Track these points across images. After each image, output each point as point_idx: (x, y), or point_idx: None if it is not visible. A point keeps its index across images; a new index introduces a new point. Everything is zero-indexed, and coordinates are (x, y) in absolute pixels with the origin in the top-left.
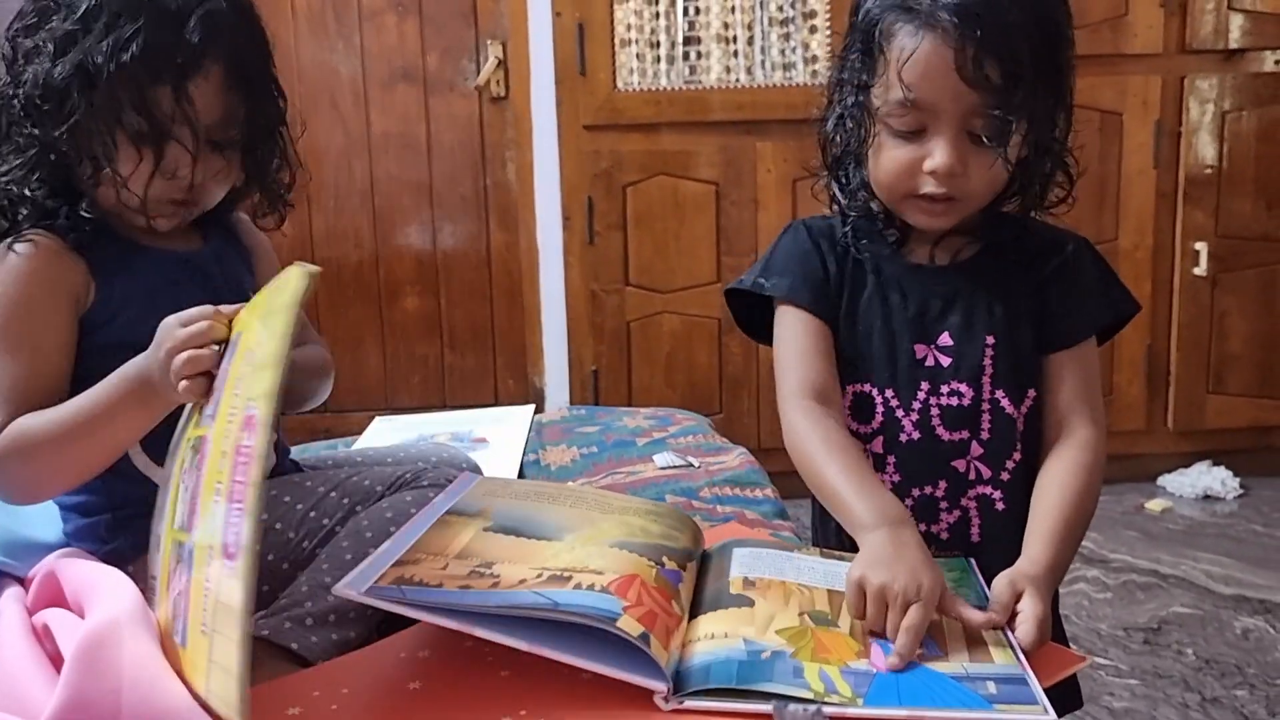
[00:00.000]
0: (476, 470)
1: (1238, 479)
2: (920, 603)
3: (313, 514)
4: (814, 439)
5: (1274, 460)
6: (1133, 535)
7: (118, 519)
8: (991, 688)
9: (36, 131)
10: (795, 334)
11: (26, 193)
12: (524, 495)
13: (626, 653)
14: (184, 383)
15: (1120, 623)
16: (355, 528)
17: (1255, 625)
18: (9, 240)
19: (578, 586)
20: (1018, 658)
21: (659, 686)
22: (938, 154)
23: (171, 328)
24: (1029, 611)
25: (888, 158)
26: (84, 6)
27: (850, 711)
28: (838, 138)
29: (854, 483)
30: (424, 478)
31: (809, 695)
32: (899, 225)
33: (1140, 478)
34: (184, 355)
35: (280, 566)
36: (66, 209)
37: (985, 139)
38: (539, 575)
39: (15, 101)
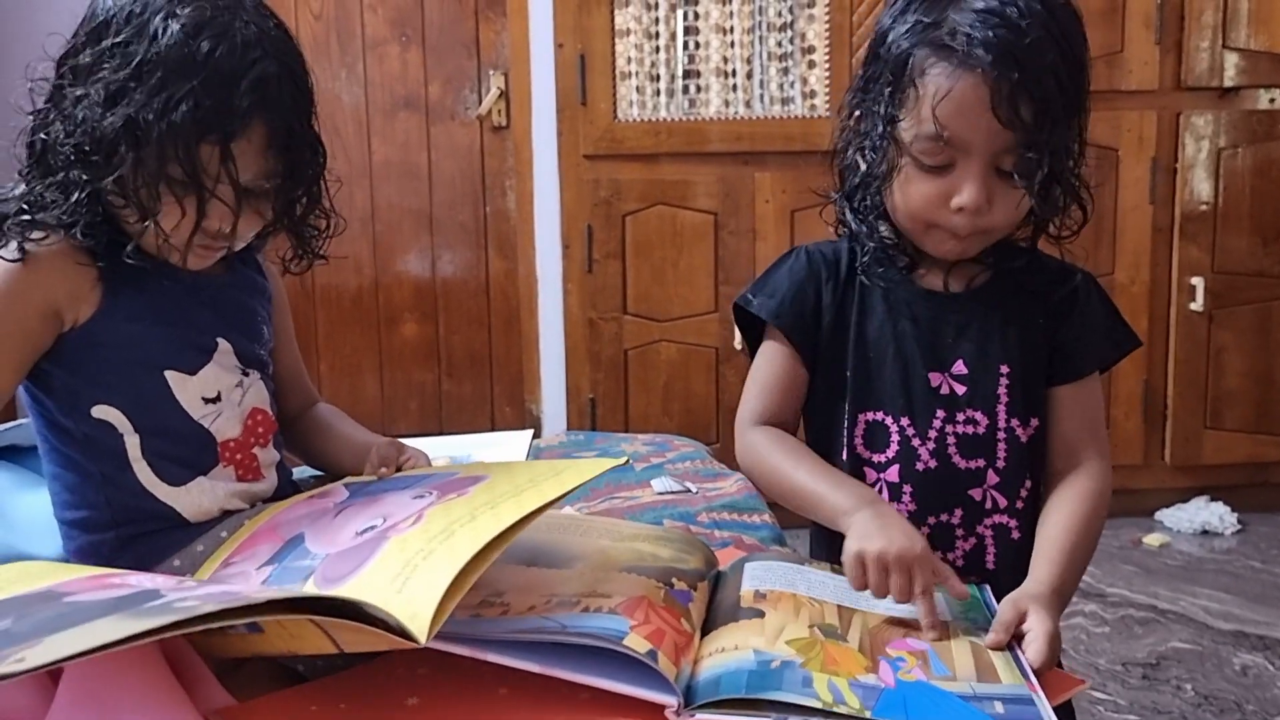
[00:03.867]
0: None
1: (1235, 514)
2: (919, 563)
3: None
4: (777, 450)
5: (1271, 496)
6: (1130, 570)
7: (121, 537)
8: (999, 708)
9: (85, 177)
10: (767, 364)
11: (64, 217)
12: (535, 528)
13: (636, 671)
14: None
15: (1119, 658)
16: None
17: (1254, 661)
18: (16, 233)
19: (585, 610)
20: (1026, 678)
21: (669, 701)
22: (966, 191)
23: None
24: (1038, 629)
25: (915, 191)
26: (137, 58)
27: None
28: (859, 164)
29: (826, 478)
30: None
31: (817, 705)
32: (909, 251)
33: (1138, 512)
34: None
35: None
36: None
37: (1015, 176)
38: (548, 601)
39: (66, 146)
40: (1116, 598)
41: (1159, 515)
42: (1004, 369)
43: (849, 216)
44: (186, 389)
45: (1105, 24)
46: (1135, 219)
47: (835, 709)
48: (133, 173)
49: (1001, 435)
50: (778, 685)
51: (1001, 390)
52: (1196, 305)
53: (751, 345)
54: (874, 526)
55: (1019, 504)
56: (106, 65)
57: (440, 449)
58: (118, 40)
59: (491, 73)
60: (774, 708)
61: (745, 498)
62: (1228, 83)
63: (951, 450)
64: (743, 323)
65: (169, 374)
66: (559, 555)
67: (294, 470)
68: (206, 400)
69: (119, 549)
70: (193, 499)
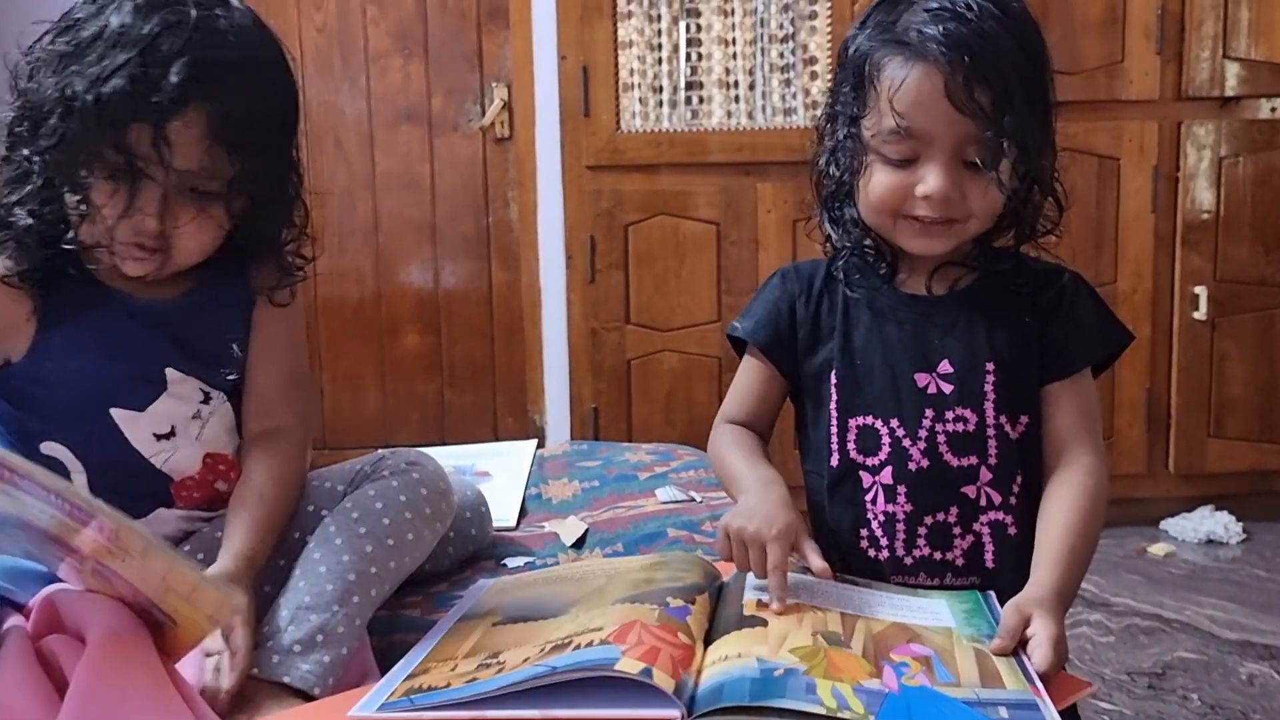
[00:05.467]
0: (481, 500)
1: (1240, 523)
2: (774, 540)
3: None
4: (727, 440)
5: (1276, 505)
6: (1135, 579)
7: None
8: (1004, 713)
9: (25, 152)
10: (744, 375)
11: (11, 218)
12: (533, 583)
13: (638, 694)
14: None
15: (1124, 667)
16: (323, 535)
17: (1260, 671)
18: None
19: (576, 648)
20: (1032, 683)
21: (671, 713)
22: (931, 179)
23: None
24: (1042, 634)
25: (880, 183)
26: (86, 32)
27: None
28: (831, 170)
29: (747, 462)
30: (383, 466)
31: (821, 711)
32: (890, 259)
33: (1142, 521)
34: None
35: (263, 588)
36: (39, 241)
37: (979, 163)
38: (541, 650)
39: (11, 120)
40: (1121, 607)
41: (1163, 524)
42: (990, 366)
43: (828, 226)
44: (137, 426)
45: (1106, 34)
46: (1137, 228)
47: (839, 715)
48: (64, 146)
49: (991, 432)
50: (781, 693)
51: (989, 388)
52: (1199, 314)
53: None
54: (749, 505)
55: (1012, 500)
56: (60, 40)
57: (444, 459)
58: (77, 18)
59: (494, 84)
60: (777, 715)
61: None
62: (1229, 92)
63: (943, 449)
64: (738, 348)
65: (115, 412)
66: (555, 604)
67: None
68: (159, 436)
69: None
70: (153, 529)
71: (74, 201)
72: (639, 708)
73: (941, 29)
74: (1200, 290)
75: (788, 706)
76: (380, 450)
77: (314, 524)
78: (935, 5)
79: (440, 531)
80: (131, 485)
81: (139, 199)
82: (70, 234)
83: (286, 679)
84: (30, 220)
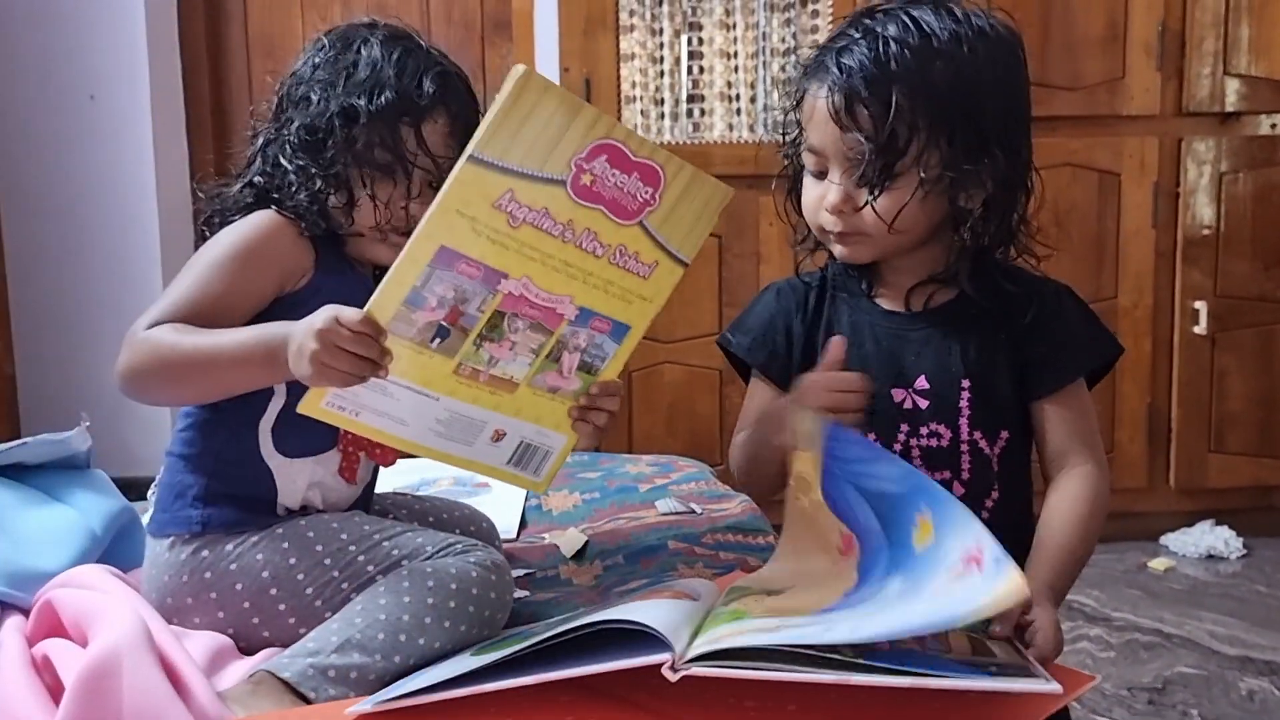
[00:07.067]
0: (495, 534)
1: (1241, 539)
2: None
3: (361, 558)
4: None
5: (1277, 520)
6: (1136, 594)
7: (211, 489)
8: (993, 669)
9: (303, 161)
10: (750, 399)
11: (294, 204)
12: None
13: (629, 645)
14: (318, 369)
15: (1124, 682)
16: (395, 583)
17: (1260, 686)
18: (275, 206)
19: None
20: (1025, 660)
21: (665, 657)
22: (829, 193)
23: (333, 320)
24: (1042, 619)
25: (805, 195)
26: (346, 62)
27: (855, 678)
28: (786, 182)
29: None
30: (472, 554)
31: (810, 642)
32: (868, 274)
33: (1142, 536)
34: (335, 354)
35: (314, 603)
36: (313, 221)
37: (860, 180)
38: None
39: (288, 135)
40: (1122, 622)
41: (1164, 539)
42: (965, 384)
43: (809, 241)
44: None
45: (1107, 50)
46: (1138, 243)
47: (829, 655)
48: (343, 152)
49: (965, 448)
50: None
51: (963, 404)
52: (1199, 329)
53: (740, 373)
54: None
55: (984, 515)
56: (321, 70)
57: (447, 471)
58: (329, 55)
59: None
60: (767, 657)
61: (749, 519)
62: (1229, 108)
63: (917, 463)
64: (731, 359)
65: None
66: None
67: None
68: None
69: (203, 500)
70: (291, 475)
71: (345, 200)
72: (631, 657)
73: (847, 51)
74: (1201, 305)
75: (780, 642)
76: (472, 538)
77: (389, 564)
78: (858, 33)
79: (467, 635)
80: (308, 421)
81: (413, 186)
82: (336, 224)
83: (311, 695)
84: (314, 206)
